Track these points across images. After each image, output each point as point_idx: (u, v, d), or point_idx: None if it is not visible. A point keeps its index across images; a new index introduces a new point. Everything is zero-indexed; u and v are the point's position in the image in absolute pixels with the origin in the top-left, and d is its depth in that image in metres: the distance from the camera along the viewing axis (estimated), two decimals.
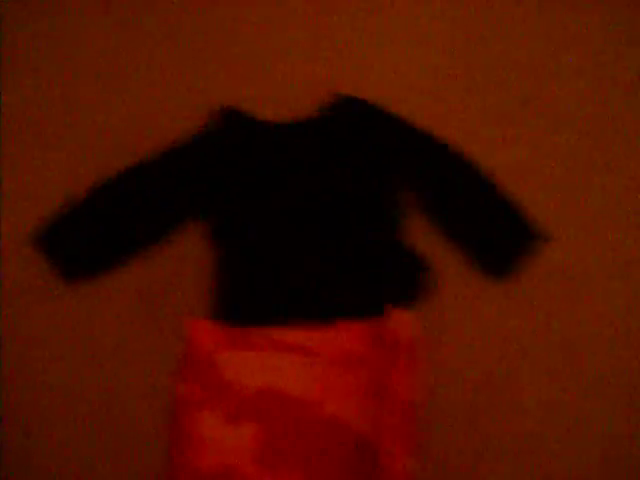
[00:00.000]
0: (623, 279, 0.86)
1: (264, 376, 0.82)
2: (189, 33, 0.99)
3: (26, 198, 0.91)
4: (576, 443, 0.80)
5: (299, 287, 0.84)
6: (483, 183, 0.88)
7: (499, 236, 0.87)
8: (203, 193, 0.89)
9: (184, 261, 0.89)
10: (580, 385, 0.83)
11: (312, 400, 0.81)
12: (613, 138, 0.92)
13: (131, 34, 1.00)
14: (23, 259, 0.88)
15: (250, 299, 0.85)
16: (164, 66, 0.98)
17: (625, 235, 0.88)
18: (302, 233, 0.86)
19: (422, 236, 0.88)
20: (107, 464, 0.82)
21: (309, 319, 0.83)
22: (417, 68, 0.97)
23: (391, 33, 0.99)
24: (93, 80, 0.98)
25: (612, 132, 0.92)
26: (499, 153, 0.92)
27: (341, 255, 0.85)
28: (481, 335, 0.85)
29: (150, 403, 0.84)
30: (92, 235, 0.87)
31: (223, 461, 0.79)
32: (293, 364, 0.82)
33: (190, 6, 1.00)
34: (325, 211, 0.86)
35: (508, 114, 0.94)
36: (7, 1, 1.01)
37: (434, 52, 0.98)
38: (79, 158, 0.93)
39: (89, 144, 0.94)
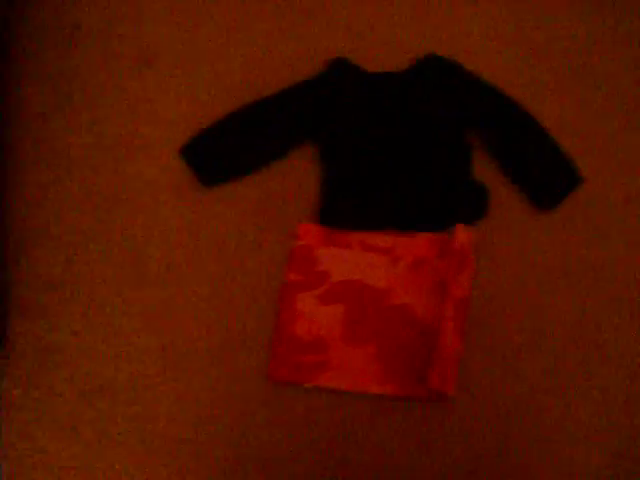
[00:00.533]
0: None
1: (352, 269, 1.05)
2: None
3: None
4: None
5: (389, 201, 1.06)
6: (539, 134, 1.07)
7: (549, 177, 1.06)
8: (317, 123, 1.10)
9: (298, 176, 1.11)
10: (604, 304, 1.04)
11: (389, 291, 1.04)
12: None
13: None
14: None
15: (348, 208, 1.07)
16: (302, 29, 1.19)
17: None
18: (393, 159, 1.07)
19: (486, 172, 1.09)
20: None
21: (394, 229, 1.07)
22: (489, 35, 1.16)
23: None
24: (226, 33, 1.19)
25: None
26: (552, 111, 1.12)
27: (423, 180, 1.06)
28: (524, 254, 1.06)
29: (265, 286, 1.07)
30: (227, 149, 1.09)
31: (315, 332, 1.03)
32: (377, 262, 1.05)
33: None
34: (411, 143, 1.07)
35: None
36: None
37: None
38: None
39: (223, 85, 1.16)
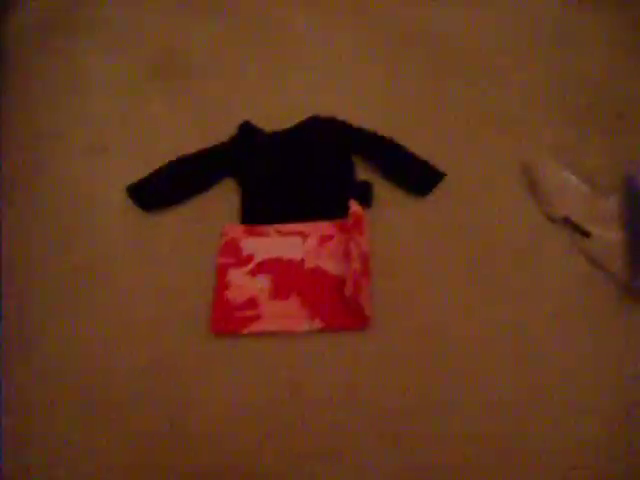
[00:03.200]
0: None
1: (272, 250, 1.29)
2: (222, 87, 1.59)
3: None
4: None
5: (293, 202, 1.35)
6: (399, 148, 1.41)
7: (413, 174, 1.38)
8: (234, 165, 1.42)
9: (221, 197, 1.39)
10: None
11: (304, 260, 1.27)
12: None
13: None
14: None
15: (260, 212, 1.35)
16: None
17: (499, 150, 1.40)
18: (293, 175, 1.38)
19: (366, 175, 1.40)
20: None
21: (301, 220, 1.33)
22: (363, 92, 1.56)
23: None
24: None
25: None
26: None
27: (317, 185, 1.36)
28: (403, 223, 1.33)
29: (199, 272, 1.28)
30: (165, 186, 1.40)
31: (247, 295, 1.23)
32: (291, 242, 1.29)
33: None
34: (306, 164, 1.40)
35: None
36: None
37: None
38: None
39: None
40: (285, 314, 1.20)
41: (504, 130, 1.44)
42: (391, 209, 1.35)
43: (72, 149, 1.50)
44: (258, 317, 1.20)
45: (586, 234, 1.26)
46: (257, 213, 1.35)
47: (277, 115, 1.50)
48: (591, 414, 1.09)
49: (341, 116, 1.48)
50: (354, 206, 1.28)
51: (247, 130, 1.47)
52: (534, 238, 1.29)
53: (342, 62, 1.61)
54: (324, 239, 1.29)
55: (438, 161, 1.39)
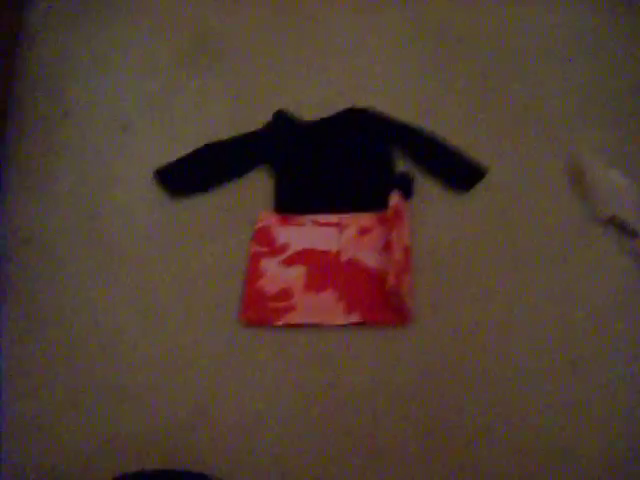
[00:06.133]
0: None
1: (308, 240, 1.24)
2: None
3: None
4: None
5: (329, 193, 1.30)
6: (439, 141, 1.35)
7: (455, 171, 1.32)
8: (268, 153, 1.37)
9: (257, 184, 1.34)
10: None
11: (340, 252, 1.21)
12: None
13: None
14: None
15: (296, 201, 1.30)
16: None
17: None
18: (329, 165, 1.34)
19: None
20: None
21: (338, 212, 1.27)
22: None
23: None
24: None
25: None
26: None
27: (354, 176, 1.32)
28: (444, 219, 1.27)
29: (233, 258, 1.24)
30: (197, 173, 1.36)
31: (280, 286, 1.18)
32: (328, 233, 1.24)
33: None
34: (346, 157, 1.35)
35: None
36: None
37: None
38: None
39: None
40: (321, 306, 1.15)
41: (548, 129, 1.38)
42: (431, 203, 1.29)
43: (99, 128, 1.45)
44: (292, 308, 1.15)
45: (634, 234, 1.21)
46: (292, 203, 1.30)
47: (311, 103, 1.45)
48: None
49: (379, 108, 1.42)
50: (395, 198, 1.23)
51: (282, 118, 1.42)
52: (579, 237, 1.24)
53: (382, 55, 1.55)
54: (363, 231, 1.23)
55: (481, 158, 1.33)
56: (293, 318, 1.14)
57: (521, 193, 1.30)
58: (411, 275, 1.17)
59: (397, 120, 1.40)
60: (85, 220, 1.32)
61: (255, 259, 1.21)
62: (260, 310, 1.15)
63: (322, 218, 1.26)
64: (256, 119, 1.42)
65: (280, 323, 1.14)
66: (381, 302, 1.14)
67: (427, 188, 1.31)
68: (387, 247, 1.19)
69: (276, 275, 1.19)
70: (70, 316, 1.20)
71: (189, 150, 1.39)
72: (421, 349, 1.12)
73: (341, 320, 1.13)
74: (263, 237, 1.24)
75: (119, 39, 1.59)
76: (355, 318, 1.13)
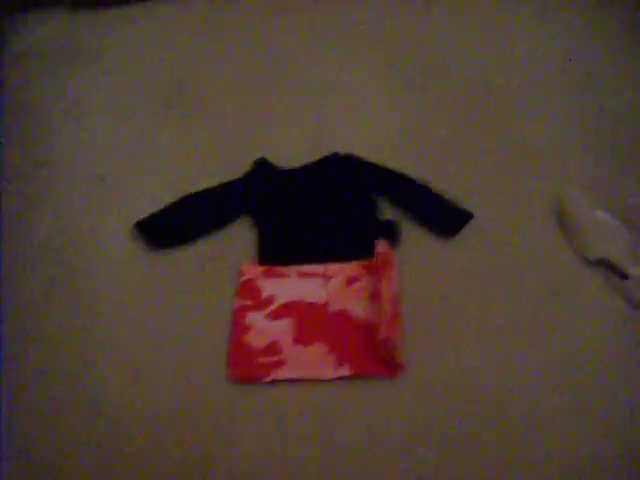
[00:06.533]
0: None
1: (293, 292, 1.20)
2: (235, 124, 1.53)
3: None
4: None
5: (312, 243, 1.28)
6: (422, 187, 1.34)
7: (440, 216, 1.31)
8: (250, 202, 1.35)
9: (238, 236, 1.31)
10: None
11: (328, 303, 1.18)
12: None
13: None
14: None
15: (279, 252, 1.27)
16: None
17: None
18: (312, 215, 1.31)
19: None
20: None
21: (322, 261, 1.25)
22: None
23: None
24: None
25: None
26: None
27: (339, 225, 1.29)
28: (431, 265, 1.25)
29: (217, 313, 1.20)
30: (178, 224, 1.33)
31: (267, 340, 1.14)
32: (313, 284, 1.21)
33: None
34: (329, 204, 1.33)
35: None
36: None
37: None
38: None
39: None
40: (310, 360, 1.11)
41: (534, 167, 1.38)
42: (419, 249, 1.27)
43: (73, 180, 1.43)
44: (282, 363, 1.11)
45: (624, 276, 1.20)
46: (276, 254, 1.27)
47: (292, 151, 1.44)
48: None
49: (361, 152, 1.41)
50: (382, 245, 1.21)
51: (263, 166, 1.41)
52: (569, 279, 1.21)
53: (363, 97, 1.56)
54: (350, 280, 1.21)
55: (465, 200, 1.32)
56: (283, 374, 1.10)
57: (509, 234, 1.29)
58: (401, 324, 1.13)
59: (380, 166, 1.39)
60: (62, 273, 1.28)
61: (240, 313, 1.18)
62: (248, 366, 1.11)
63: (307, 268, 1.23)
64: (236, 167, 1.41)
65: (269, 379, 1.09)
66: (371, 354, 1.11)
67: (414, 234, 1.29)
68: (375, 296, 1.16)
69: (263, 329, 1.16)
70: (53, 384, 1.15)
71: (169, 200, 1.35)
72: (415, 400, 1.08)
73: (331, 374, 1.09)
74: (247, 290, 1.21)
75: (95, 87, 1.57)
76: (345, 371, 1.09)
